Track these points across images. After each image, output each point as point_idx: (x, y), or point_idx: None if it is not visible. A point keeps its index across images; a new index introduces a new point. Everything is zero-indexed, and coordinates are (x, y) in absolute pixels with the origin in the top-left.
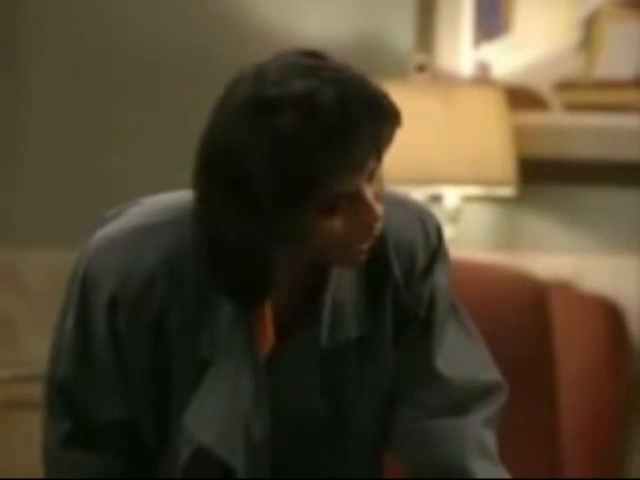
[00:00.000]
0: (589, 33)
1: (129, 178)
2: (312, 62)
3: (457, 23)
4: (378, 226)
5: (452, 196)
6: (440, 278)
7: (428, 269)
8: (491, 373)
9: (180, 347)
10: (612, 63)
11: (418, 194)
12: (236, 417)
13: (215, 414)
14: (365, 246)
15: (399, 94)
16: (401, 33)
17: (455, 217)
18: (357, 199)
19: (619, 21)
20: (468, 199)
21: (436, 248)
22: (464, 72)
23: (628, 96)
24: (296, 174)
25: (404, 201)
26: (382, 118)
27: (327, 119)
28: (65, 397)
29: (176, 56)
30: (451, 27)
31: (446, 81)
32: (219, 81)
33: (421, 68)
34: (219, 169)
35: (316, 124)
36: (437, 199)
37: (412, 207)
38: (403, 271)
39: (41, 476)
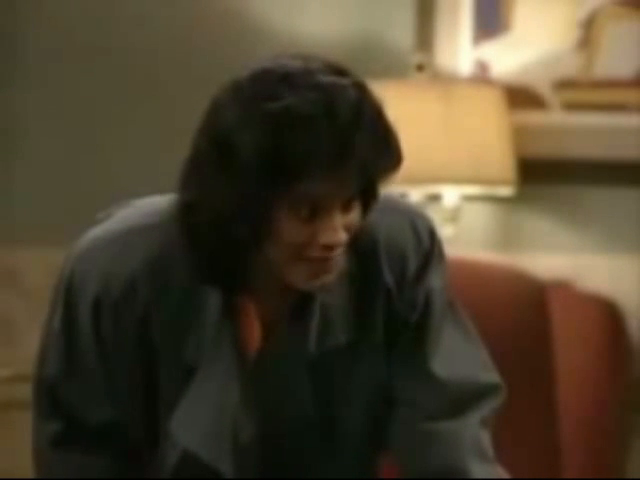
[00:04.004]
0: (589, 32)
1: (129, 178)
2: (338, 67)
3: (456, 22)
4: (334, 257)
5: (451, 195)
6: (435, 281)
7: (421, 273)
8: (489, 374)
9: (165, 350)
10: (612, 62)
11: (417, 193)
12: (223, 421)
13: (201, 418)
14: (320, 269)
15: (398, 93)
16: (400, 32)
17: (454, 216)
18: (325, 215)
19: (619, 20)
20: (467, 198)
21: (429, 251)
22: (463, 71)
23: (628, 96)
24: (286, 157)
25: (395, 205)
26: (386, 150)
27: (343, 117)
28: (53, 398)
29: (176, 55)
30: (450, 26)
31: (445, 80)
32: (219, 80)
33: (420, 67)
34: (216, 129)
35: (331, 116)
36: (436, 198)
37: (403, 211)
38: (394, 276)
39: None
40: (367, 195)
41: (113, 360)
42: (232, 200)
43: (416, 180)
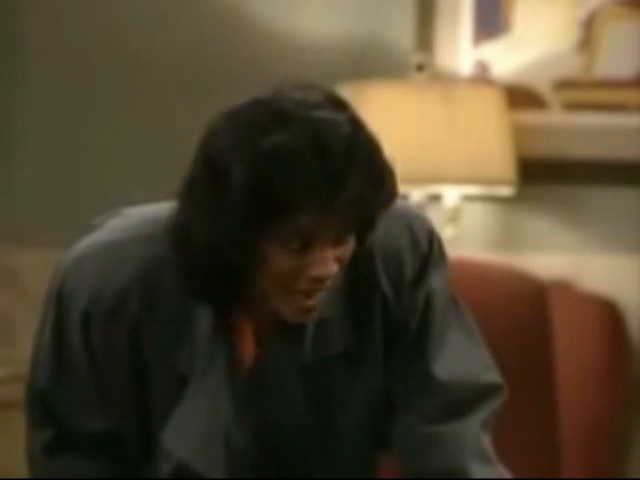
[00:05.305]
0: (589, 33)
1: (128, 178)
2: (338, 101)
3: (457, 22)
4: (322, 289)
5: (451, 195)
6: (435, 283)
7: (420, 275)
8: (490, 374)
9: (159, 362)
10: (612, 63)
11: (417, 193)
12: (216, 431)
13: (194, 429)
14: (309, 304)
15: (399, 93)
16: (401, 32)
17: (454, 217)
18: (316, 249)
19: (619, 21)
20: (467, 198)
21: (427, 253)
22: (463, 71)
23: (628, 96)
24: (275, 193)
25: (392, 209)
26: (380, 187)
27: (334, 152)
28: (45, 408)
29: (176, 56)
30: (451, 26)
31: (445, 80)
32: (219, 80)
33: (420, 67)
34: (209, 155)
35: (321, 152)
36: (436, 198)
37: (400, 215)
38: (391, 282)
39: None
40: (362, 228)
41: (104, 370)
42: (221, 228)
43: (416, 180)
